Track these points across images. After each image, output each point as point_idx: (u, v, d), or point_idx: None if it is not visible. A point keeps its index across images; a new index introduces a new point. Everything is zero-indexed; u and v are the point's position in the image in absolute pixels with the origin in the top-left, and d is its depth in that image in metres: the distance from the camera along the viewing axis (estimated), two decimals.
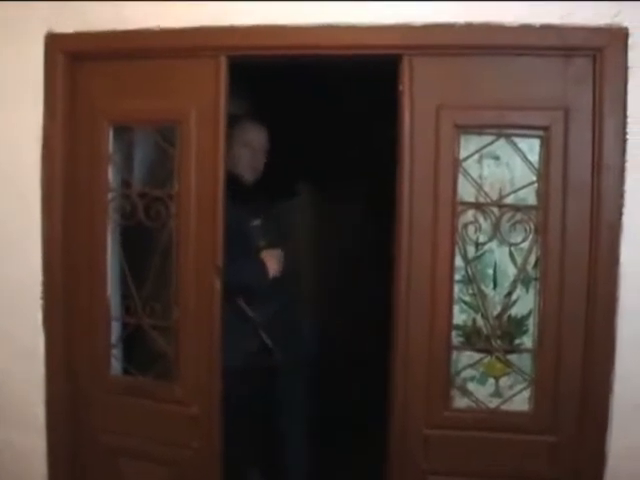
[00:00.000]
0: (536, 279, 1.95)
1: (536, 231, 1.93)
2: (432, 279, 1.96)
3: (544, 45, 1.87)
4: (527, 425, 1.97)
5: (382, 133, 2.27)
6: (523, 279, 1.97)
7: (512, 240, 1.95)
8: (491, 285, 1.99)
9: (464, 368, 2.00)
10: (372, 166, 3.05)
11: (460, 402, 2.01)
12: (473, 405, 2.01)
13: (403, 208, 1.96)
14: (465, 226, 1.96)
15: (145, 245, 2.15)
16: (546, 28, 1.84)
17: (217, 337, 2.05)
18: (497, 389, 2.00)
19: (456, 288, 1.98)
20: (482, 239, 1.97)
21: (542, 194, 1.92)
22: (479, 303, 1.98)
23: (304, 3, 1.94)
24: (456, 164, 1.94)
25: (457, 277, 1.98)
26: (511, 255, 1.97)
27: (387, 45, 1.93)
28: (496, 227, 1.95)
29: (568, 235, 1.90)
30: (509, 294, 1.97)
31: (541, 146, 1.92)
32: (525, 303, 1.97)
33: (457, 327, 1.99)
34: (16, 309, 2.20)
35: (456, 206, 1.95)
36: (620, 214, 1.86)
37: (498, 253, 1.98)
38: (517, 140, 1.93)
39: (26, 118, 2.13)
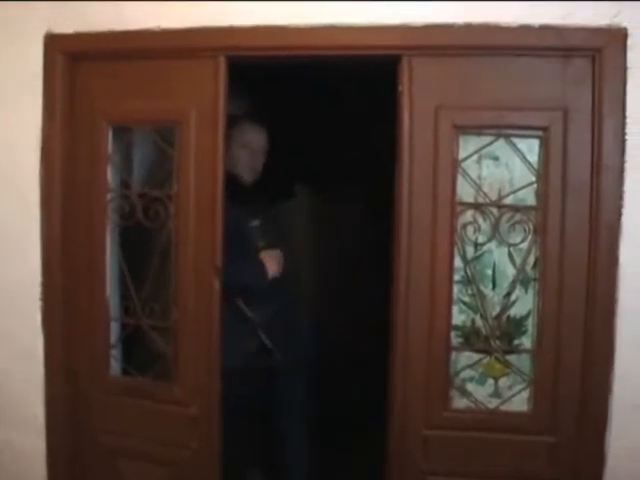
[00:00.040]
0: (535, 280, 1.95)
1: (535, 232, 1.93)
2: (431, 279, 1.96)
3: (543, 45, 1.87)
4: (526, 425, 1.97)
5: (381, 133, 2.27)
6: (522, 279, 1.96)
7: (511, 240, 1.95)
8: (490, 285, 1.99)
9: (463, 369, 2.00)
10: (371, 166, 3.05)
11: (459, 402, 2.01)
12: (472, 405, 2.01)
13: (402, 208, 1.96)
14: (464, 226, 1.96)
15: (144, 246, 2.15)
16: (545, 28, 1.84)
17: (216, 337, 2.05)
18: (496, 389, 2.00)
19: (455, 288, 1.98)
20: (481, 239, 1.96)
21: (541, 194, 1.92)
22: (478, 303, 1.98)
23: (303, 4, 1.94)
24: (455, 164, 1.94)
25: (456, 277, 1.98)
26: (510, 255, 1.97)
27: (386, 45, 1.93)
28: (495, 227, 1.95)
29: (567, 236, 1.90)
30: (508, 294, 1.97)
31: (540, 146, 1.92)
32: (524, 304, 1.97)
33: (456, 327, 1.99)
34: (15, 309, 2.20)
35: (455, 206, 1.95)
36: (619, 215, 1.86)
37: (497, 253, 1.98)
38: (516, 140, 1.93)
39: (25, 118, 2.13)
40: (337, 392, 3.41)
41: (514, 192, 1.95)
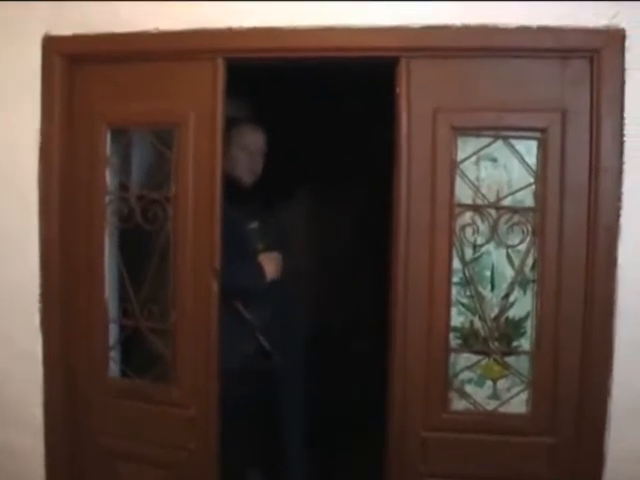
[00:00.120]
0: (534, 281, 1.95)
1: (534, 233, 1.93)
2: (430, 281, 1.96)
3: (541, 47, 1.87)
4: (525, 427, 1.97)
5: (380, 135, 2.27)
6: (521, 281, 1.96)
7: (509, 242, 1.95)
8: (489, 287, 1.98)
9: (462, 370, 2.00)
10: (370, 168, 3.05)
11: (458, 404, 2.01)
12: (471, 407, 2.01)
13: (400, 210, 1.96)
14: (462, 228, 1.95)
15: (143, 248, 2.15)
16: (543, 30, 1.84)
17: (214, 339, 2.05)
18: (495, 391, 2.00)
19: (454, 290, 1.98)
20: (479, 241, 1.96)
21: (540, 196, 1.92)
22: (477, 305, 1.98)
23: (301, 5, 1.93)
24: (453, 166, 1.94)
25: (455, 279, 1.98)
26: (508, 257, 1.97)
27: (384, 47, 1.93)
28: (493, 229, 1.94)
29: (566, 237, 1.90)
30: (507, 296, 1.97)
31: (538, 148, 1.92)
32: (523, 305, 1.97)
33: (455, 329, 1.99)
34: (14, 311, 2.20)
35: (453, 208, 1.94)
36: (618, 216, 1.86)
37: (495, 255, 1.97)
38: (514, 142, 1.93)
39: (24, 119, 2.13)
40: (337, 392, 3.41)
41: (512, 193, 1.95)
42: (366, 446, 2.63)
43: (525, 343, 1.98)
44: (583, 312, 1.90)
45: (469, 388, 2.01)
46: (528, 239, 1.93)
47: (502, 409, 1.99)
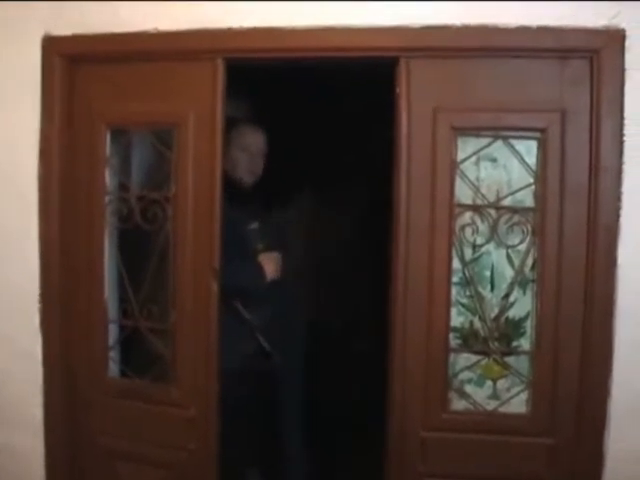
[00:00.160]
0: (533, 281, 1.95)
1: (533, 233, 1.93)
2: (429, 281, 1.96)
3: (541, 47, 1.87)
4: (525, 427, 1.97)
5: (379, 135, 2.27)
6: (520, 281, 1.96)
7: (509, 242, 1.95)
8: (488, 287, 1.98)
9: (462, 370, 2.00)
10: (370, 168, 3.05)
11: (458, 404, 2.01)
12: (471, 407, 2.01)
13: (400, 210, 1.96)
14: (462, 228, 1.95)
15: (142, 248, 2.15)
16: (543, 30, 1.84)
17: (214, 339, 2.05)
18: (495, 391, 2.00)
19: (453, 290, 1.98)
20: (479, 241, 1.96)
21: (539, 196, 1.92)
22: (476, 305, 1.98)
23: (301, 5, 1.93)
24: (453, 166, 1.93)
25: (454, 279, 1.97)
26: (508, 257, 1.96)
27: (384, 47, 1.93)
28: (493, 229, 1.94)
29: (565, 237, 1.90)
30: (506, 296, 1.97)
31: (538, 148, 1.92)
32: (522, 305, 1.97)
33: (454, 329, 1.99)
34: (14, 311, 2.20)
35: (453, 208, 1.94)
36: (617, 216, 1.85)
37: (495, 255, 1.97)
38: (514, 142, 1.93)
39: (24, 120, 2.13)
40: (337, 392, 3.41)
41: (512, 194, 1.94)
42: (366, 446, 2.63)
43: (525, 343, 1.98)
44: (583, 312, 1.89)
45: (469, 388, 2.01)
46: (528, 239, 1.93)
47: (502, 409, 1.99)
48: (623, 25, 1.81)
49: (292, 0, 1.94)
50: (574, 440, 1.93)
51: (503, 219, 1.94)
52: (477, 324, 1.99)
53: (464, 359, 2.00)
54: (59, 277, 2.16)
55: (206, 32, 1.98)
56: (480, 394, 2.01)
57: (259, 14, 1.95)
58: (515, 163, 1.94)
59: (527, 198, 1.94)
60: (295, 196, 3.65)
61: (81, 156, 2.15)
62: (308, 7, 1.93)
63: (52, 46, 2.10)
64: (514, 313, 1.97)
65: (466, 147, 1.94)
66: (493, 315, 1.98)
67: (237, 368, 2.24)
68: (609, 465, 1.90)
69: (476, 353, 2.00)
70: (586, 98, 1.86)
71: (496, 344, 1.98)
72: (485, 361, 2.00)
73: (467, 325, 1.99)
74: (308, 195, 3.78)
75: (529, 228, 1.93)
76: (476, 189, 1.95)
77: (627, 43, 1.81)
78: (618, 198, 1.85)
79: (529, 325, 1.97)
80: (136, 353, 2.26)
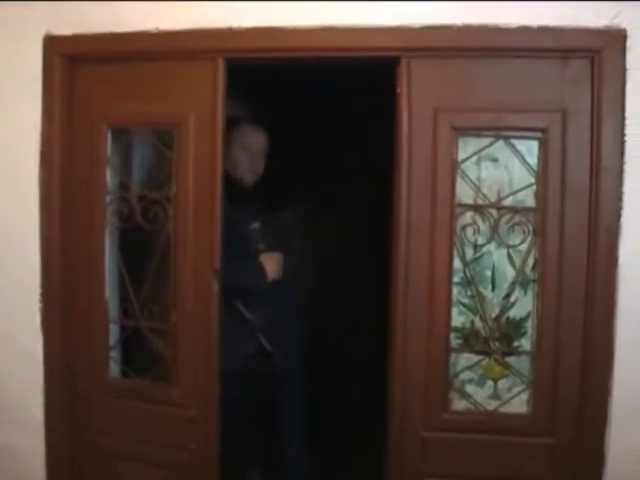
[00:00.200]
0: (534, 281, 1.95)
1: (534, 233, 1.93)
2: (430, 281, 1.96)
3: (542, 47, 1.87)
4: (525, 427, 1.97)
5: (380, 135, 2.27)
6: (521, 281, 1.96)
7: (510, 242, 1.95)
8: (489, 287, 1.98)
9: (462, 370, 2.00)
10: (371, 168, 3.04)
11: (459, 404, 2.01)
12: (472, 407, 2.01)
13: (401, 210, 1.95)
14: (463, 228, 1.95)
15: (143, 248, 2.15)
16: (544, 30, 1.84)
17: (215, 339, 2.05)
18: (495, 391, 2.00)
19: (454, 290, 1.98)
20: (480, 241, 1.96)
21: (540, 196, 1.92)
22: (477, 305, 1.98)
23: (301, 5, 1.93)
24: (454, 166, 1.93)
25: (455, 279, 1.97)
26: (509, 257, 1.96)
27: (385, 47, 1.93)
28: (494, 229, 1.94)
29: (567, 237, 1.90)
30: (507, 296, 1.97)
31: (539, 148, 1.92)
32: (523, 305, 1.97)
33: (455, 329, 1.99)
34: (15, 311, 2.20)
35: (454, 208, 1.94)
36: (619, 216, 1.85)
37: (496, 255, 1.97)
38: (515, 142, 1.93)
39: (25, 119, 2.13)
40: (337, 392, 3.41)
41: (513, 193, 1.94)
42: (366, 446, 2.64)
43: (526, 343, 1.97)
44: (584, 312, 1.89)
45: (470, 388, 2.01)
46: (529, 239, 1.93)
47: (503, 409, 1.99)
48: (624, 25, 1.81)
49: (293, 0, 1.94)
50: (575, 440, 1.93)
51: (504, 219, 1.94)
52: (478, 324, 1.98)
53: (465, 359, 2.00)
54: (60, 277, 2.16)
55: (207, 32, 1.98)
56: (481, 394, 2.01)
57: (260, 14, 1.95)
58: (516, 163, 1.94)
59: (528, 198, 1.94)
60: (296, 196, 3.65)
61: (82, 156, 2.15)
62: (309, 7, 1.93)
63: (52, 46, 2.10)
64: (515, 313, 1.97)
65: (467, 147, 1.94)
66: (494, 315, 1.97)
67: (238, 368, 2.24)
68: (610, 465, 1.89)
69: (477, 353, 2.00)
70: (587, 98, 1.86)
71: (497, 344, 1.98)
72: (486, 361, 2.00)
73: (468, 325, 1.99)
74: (309, 195, 3.77)
75: (530, 228, 1.93)
76: (477, 189, 1.95)
77: (628, 43, 1.81)
78: (619, 198, 1.85)
79: (530, 325, 1.97)
80: (137, 353, 2.25)
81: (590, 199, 1.87)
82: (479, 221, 1.95)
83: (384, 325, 2.04)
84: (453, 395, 2.00)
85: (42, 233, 2.14)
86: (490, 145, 1.93)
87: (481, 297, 1.98)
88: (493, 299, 1.98)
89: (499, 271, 1.97)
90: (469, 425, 1.99)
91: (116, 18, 2.03)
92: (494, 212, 1.94)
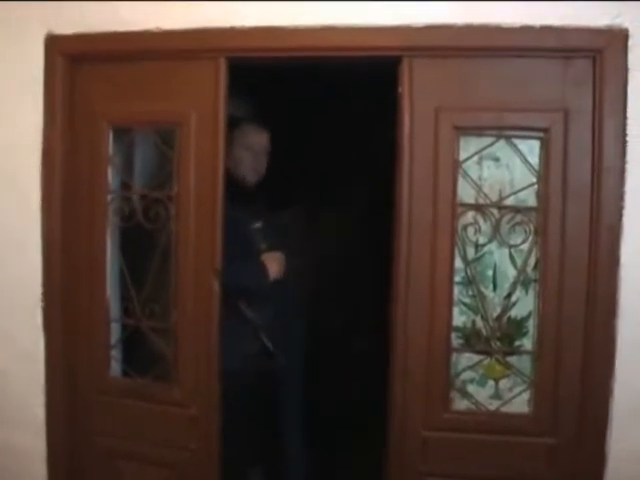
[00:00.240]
0: (536, 281, 1.95)
1: (536, 233, 1.93)
2: (431, 280, 1.96)
3: (544, 46, 1.87)
4: (527, 427, 1.97)
5: (382, 135, 2.27)
6: (523, 281, 1.96)
7: (512, 242, 1.95)
8: (491, 287, 1.98)
9: (464, 370, 2.00)
10: (372, 168, 3.04)
11: (460, 404, 2.01)
12: (473, 407, 2.01)
13: (402, 209, 1.95)
14: (465, 227, 1.95)
15: (144, 247, 2.15)
16: (546, 29, 1.84)
17: (215, 339, 2.05)
18: (497, 391, 2.00)
19: (456, 290, 1.98)
20: (482, 240, 1.96)
21: (542, 196, 1.92)
22: (479, 305, 1.98)
23: (303, 5, 1.93)
24: (456, 165, 1.93)
25: (457, 279, 1.98)
26: (511, 257, 1.96)
27: (387, 47, 1.93)
28: (496, 228, 1.94)
29: (568, 237, 1.90)
30: (509, 296, 1.97)
31: (541, 148, 1.92)
32: (525, 305, 1.97)
33: (457, 329, 1.99)
34: (16, 310, 2.20)
35: (456, 207, 1.94)
36: (620, 216, 1.85)
37: (498, 255, 1.97)
38: (517, 142, 1.93)
39: (26, 119, 2.13)
40: (337, 392, 3.41)
41: (515, 193, 1.94)
42: (366, 446, 2.64)
43: (527, 343, 1.98)
44: (585, 312, 1.89)
45: (471, 388, 2.01)
46: (530, 239, 1.93)
47: (504, 409, 1.99)
48: (626, 25, 1.81)
49: (294, 0, 1.94)
50: (576, 440, 1.93)
51: (505, 218, 1.94)
52: (479, 324, 1.98)
53: (466, 359, 2.00)
54: (61, 276, 2.16)
55: (208, 31, 1.98)
56: (482, 394, 2.01)
57: (261, 13, 1.95)
58: (518, 163, 1.94)
59: (530, 198, 1.94)
60: (297, 195, 3.65)
61: (83, 155, 2.15)
62: (310, 6, 1.93)
63: (54, 45, 2.10)
64: (516, 313, 1.97)
65: (468, 146, 1.94)
66: (495, 315, 1.97)
67: (240, 368, 2.23)
68: (611, 465, 1.89)
69: (478, 353, 2.00)
70: (589, 98, 1.86)
71: (498, 344, 1.98)
72: (487, 361, 2.00)
73: (469, 325, 1.99)
74: (310, 194, 3.77)
75: (531, 228, 1.93)
76: (478, 188, 1.95)
77: (630, 43, 1.81)
78: (621, 198, 1.85)
79: (531, 325, 1.97)
80: (138, 352, 2.25)
81: (592, 199, 1.87)
82: (480, 221, 1.95)
83: (384, 325, 2.04)
84: (454, 395, 2.00)
85: (43, 232, 2.14)
86: (492, 145, 1.93)
87: (482, 297, 1.98)
88: (494, 299, 1.98)
89: (500, 271, 1.97)
90: (470, 425, 1.99)
91: (117, 17, 2.03)
92: (495, 212, 1.94)
